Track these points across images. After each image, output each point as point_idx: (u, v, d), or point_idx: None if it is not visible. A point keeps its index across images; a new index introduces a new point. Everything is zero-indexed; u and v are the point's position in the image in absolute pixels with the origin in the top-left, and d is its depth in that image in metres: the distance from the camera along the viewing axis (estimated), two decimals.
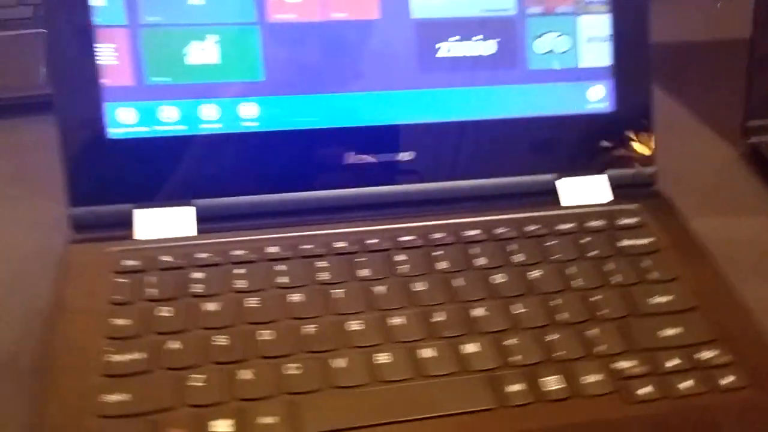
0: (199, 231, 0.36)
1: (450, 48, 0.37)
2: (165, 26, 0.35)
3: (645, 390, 0.30)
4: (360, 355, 0.30)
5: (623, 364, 0.31)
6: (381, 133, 0.38)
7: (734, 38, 0.51)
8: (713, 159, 0.46)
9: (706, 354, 0.31)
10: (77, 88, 0.35)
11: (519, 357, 0.31)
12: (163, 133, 0.36)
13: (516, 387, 0.29)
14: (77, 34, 0.35)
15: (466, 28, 0.37)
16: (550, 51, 0.38)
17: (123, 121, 0.36)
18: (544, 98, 0.39)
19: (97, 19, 0.35)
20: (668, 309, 0.33)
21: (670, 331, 0.32)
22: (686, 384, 0.30)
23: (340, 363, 0.30)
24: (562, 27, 0.38)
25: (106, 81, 0.35)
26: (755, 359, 0.31)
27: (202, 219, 0.36)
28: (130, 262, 0.34)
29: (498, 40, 0.38)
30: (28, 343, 0.32)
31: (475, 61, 0.38)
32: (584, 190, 0.40)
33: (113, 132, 0.36)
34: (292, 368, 0.30)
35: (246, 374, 0.29)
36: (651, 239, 0.37)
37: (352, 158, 0.38)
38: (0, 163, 0.44)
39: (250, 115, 0.37)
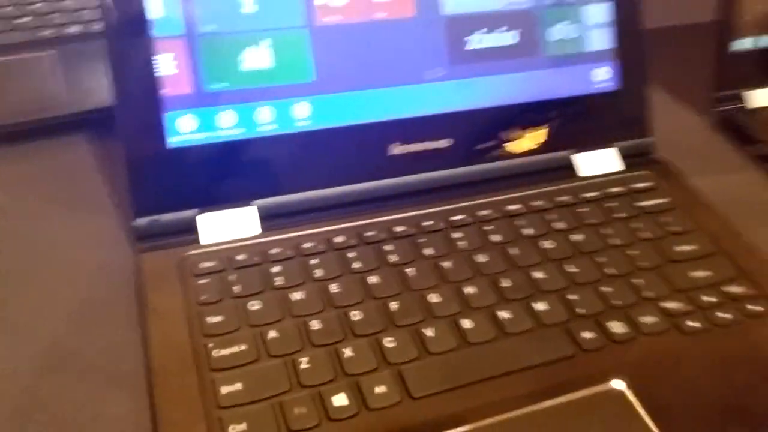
0: (264, 229, 0.38)
1: (478, 40, 0.41)
2: (221, 34, 0.37)
3: (694, 324, 0.34)
4: (445, 323, 0.34)
5: (671, 305, 0.35)
6: (421, 123, 0.41)
7: (697, 22, 0.58)
8: (690, 128, 0.52)
9: (735, 289, 0.36)
10: (138, 99, 0.37)
11: (583, 309, 0.35)
12: (222, 138, 0.38)
13: (588, 334, 0.33)
14: (137, 47, 0.36)
15: (491, 21, 0.41)
16: (562, 38, 0.43)
17: (183, 129, 0.37)
18: (558, 81, 0.43)
19: (155, 31, 0.36)
20: (694, 255, 0.38)
21: (701, 273, 0.37)
22: (725, 315, 0.35)
23: (429, 332, 0.33)
24: (572, 15, 0.43)
25: (166, 91, 0.37)
26: None
27: (264, 218, 0.38)
28: (208, 264, 0.36)
29: (519, 30, 0.42)
30: (119, 350, 0.33)
31: (500, 51, 0.42)
32: (598, 162, 0.44)
33: (173, 141, 0.37)
34: (388, 341, 0.32)
35: (348, 352, 0.32)
36: (666, 199, 0.42)
37: (398, 149, 0.41)
38: (44, 186, 0.44)
39: (303, 115, 0.39)
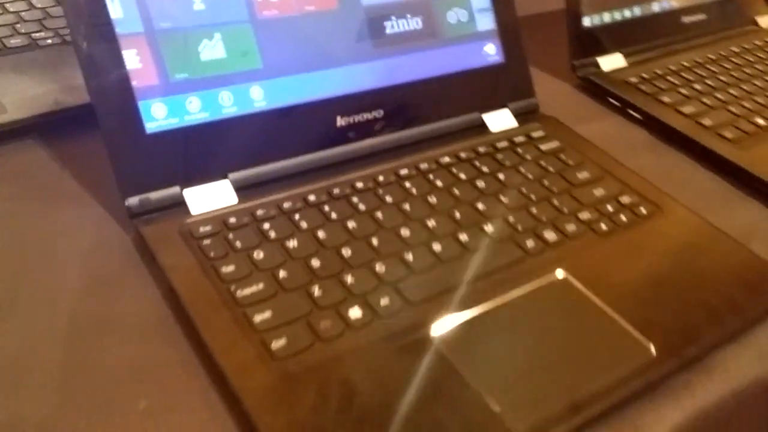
0: (240, 198, 0.43)
1: (391, 26, 0.49)
2: (177, 30, 0.41)
3: (605, 226, 0.44)
4: (420, 249, 0.40)
5: (583, 215, 0.45)
6: (357, 99, 0.48)
7: (554, 9, 0.69)
8: (561, 90, 0.63)
9: (625, 199, 0.47)
10: (112, 92, 0.40)
11: (520, 226, 0.43)
12: (192, 122, 0.42)
13: (530, 242, 0.42)
14: (104, 45, 0.39)
15: (399, 9, 0.49)
16: (456, 22, 0.52)
17: (157, 116, 0.41)
18: (458, 57, 0.52)
19: (118, 30, 0.40)
20: (589, 180, 0.48)
21: (598, 191, 0.47)
22: (623, 217, 0.45)
23: (409, 257, 0.40)
24: (460, 2, 0.52)
25: (135, 83, 0.40)
26: (652, 195, 0.47)
27: (238, 189, 0.43)
28: (205, 228, 0.40)
29: (421, 17, 0.50)
30: (142, 309, 0.36)
31: (411, 35, 0.50)
32: (500, 121, 0.54)
33: (150, 126, 0.41)
34: (380, 267, 0.39)
35: (350, 279, 0.38)
36: (558, 142, 0.52)
37: (342, 121, 0.47)
38: (40, 179, 0.46)
39: (258, 97, 0.44)
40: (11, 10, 0.56)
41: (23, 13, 0.56)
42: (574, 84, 0.64)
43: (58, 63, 0.52)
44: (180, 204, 0.41)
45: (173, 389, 0.33)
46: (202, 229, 0.40)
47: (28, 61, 0.51)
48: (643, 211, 0.46)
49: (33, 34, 0.54)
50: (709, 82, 0.63)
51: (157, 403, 0.32)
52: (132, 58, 0.40)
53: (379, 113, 0.49)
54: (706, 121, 0.57)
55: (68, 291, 0.37)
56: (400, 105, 0.49)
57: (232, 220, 0.41)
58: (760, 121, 0.58)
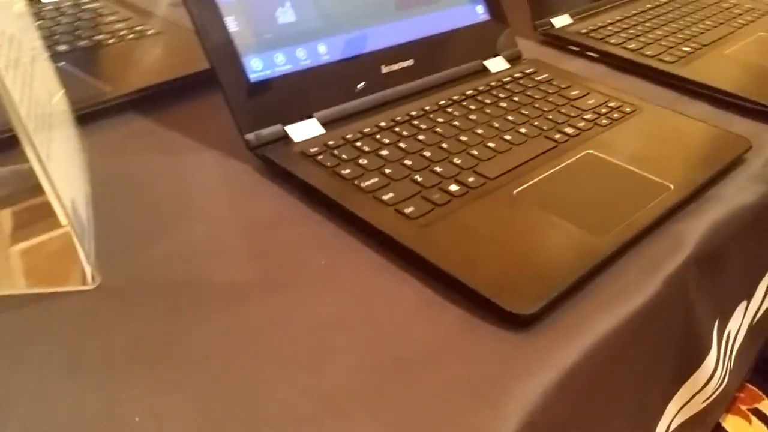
0: (326, 130, 0.52)
1: None
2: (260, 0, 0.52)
3: (605, 121, 0.57)
4: (481, 146, 0.52)
5: (588, 116, 0.58)
6: (391, 51, 0.59)
7: None
8: (527, 46, 0.77)
9: (613, 104, 0.60)
10: (223, 51, 0.49)
11: (545, 126, 0.55)
12: (280, 72, 0.52)
13: (557, 135, 0.54)
14: (211, 14, 0.49)
15: None
16: None
17: (255, 67, 0.51)
18: (459, 16, 0.64)
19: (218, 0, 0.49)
20: (580, 95, 0.62)
21: (591, 101, 0.60)
22: (616, 114, 0.58)
23: (475, 151, 0.51)
24: None
25: (237, 41, 0.50)
26: (630, 100, 0.61)
27: (323, 124, 0.53)
28: (314, 149, 0.50)
29: None
30: (290, 207, 0.45)
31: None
32: (497, 65, 0.66)
33: (252, 76, 0.50)
34: (456, 159, 0.49)
35: (440, 168, 0.49)
36: (547, 74, 0.65)
37: (385, 69, 0.58)
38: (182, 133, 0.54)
39: (323, 51, 0.54)
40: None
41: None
42: (538, 41, 0.78)
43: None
44: (283, 138, 0.51)
45: (339, 251, 0.42)
46: (312, 150, 0.49)
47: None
48: (628, 110, 0.60)
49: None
50: (647, 25, 0.79)
51: (332, 260, 0.41)
52: (232, 23, 0.50)
53: (410, 62, 0.60)
54: (649, 52, 0.72)
55: (220, 204, 0.46)
56: (424, 55, 0.61)
57: (331, 142, 0.51)
58: (691, 46, 0.73)
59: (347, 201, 0.45)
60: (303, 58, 0.54)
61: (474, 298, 0.38)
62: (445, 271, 0.39)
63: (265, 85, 0.51)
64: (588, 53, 0.74)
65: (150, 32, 0.66)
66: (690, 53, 0.73)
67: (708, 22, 0.83)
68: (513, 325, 0.37)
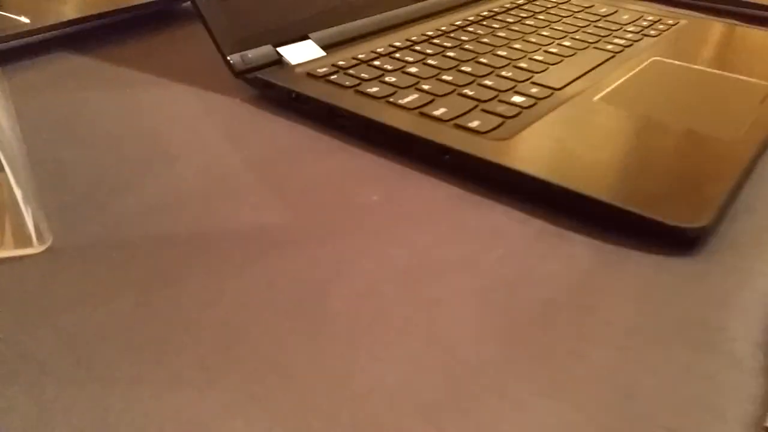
0: (327, 53, 0.40)
1: None
2: None
3: (653, 31, 0.48)
4: (525, 60, 0.41)
5: (629, 28, 0.48)
6: None
7: None
8: None
9: (649, 18, 0.51)
10: None
11: (590, 39, 0.45)
12: None
13: (609, 46, 0.44)
14: None
15: None
16: None
17: None
18: None
19: None
20: (611, 12, 0.52)
21: (625, 17, 0.51)
22: (661, 25, 0.49)
23: (523, 65, 0.40)
24: None
25: None
26: (666, 14, 0.52)
27: (321, 47, 0.41)
28: (324, 69, 0.37)
29: None
30: (308, 139, 0.33)
31: None
32: None
33: None
34: (505, 72, 0.38)
35: (489, 82, 0.37)
36: None
37: None
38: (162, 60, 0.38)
39: None
40: None
41: None
42: None
43: None
44: (276, 62, 0.38)
45: (390, 183, 0.30)
46: (320, 70, 0.37)
47: None
48: (670, 21, 0.50)
49: None
50: None
51: (386, 194, 0.29)
52: None
53: None
54: None
55: (209, 141, 0.33)
56: None
57: (341, 62, 0.38)
58: None
59: (390, 119, 0.33)
60: None
61: (606, 218, 0.27)
62: (561, 187, 0.27)
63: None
64: None
65: None
66: None
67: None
68: (675, 247, 0.26)
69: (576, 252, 0.26)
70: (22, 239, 0.23)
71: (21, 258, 0.23)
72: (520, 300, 0.23)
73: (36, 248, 0.23)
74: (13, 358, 0.20)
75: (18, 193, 0.23)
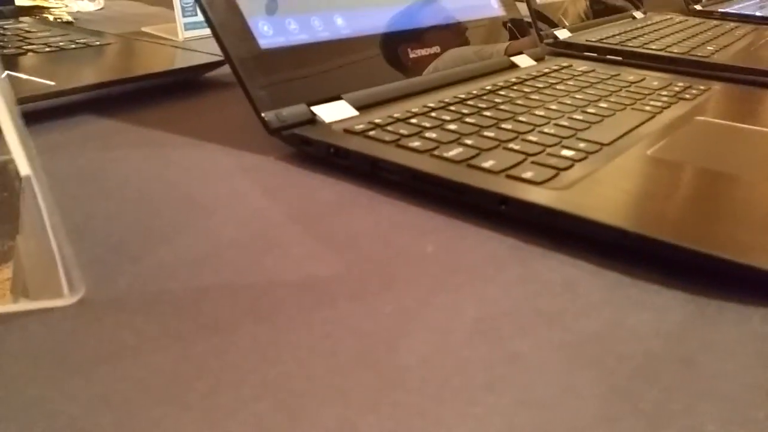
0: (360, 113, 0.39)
1: None
2: None
3: (688, 95, 0.47)
4: (564, 119, 0.40)
5: (663, 93, 0.47)
6: (415, 34, 0.47)
7: None
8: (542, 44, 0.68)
9: (680, 84, 0.50)
10: (223, 11, 0.36)
11: (626, 101, 0.44)
12: (296, 42, 0.39)
13: (647, 107, 0.43)
14: None
15: None
16: None
17: (265, 32, 0.37)
18: (485, 8, 0.54)
19: None
20: (638, 80, 0.52)
21: (655, 84, 0.50)
22: (695, 90, 0.48)
23: (563, 122, 0.39)
24: None
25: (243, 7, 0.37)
26: (695, 81, 0.51)
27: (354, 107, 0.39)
28: (361, 126, 0.36)
29: None
30: (353, 193, 0.31)
31: None
32: (524, 61, 0.56)
33: (263, 42, 0.37)
34: (548, 129, 0.37)
35: (532, 137, 0.36)
36: (587, 66, 0.55)
37: (411, 53, 0.46)
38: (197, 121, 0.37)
39: (342, 24, 0.42)
40: None
41: None
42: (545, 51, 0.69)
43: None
44: (310, 120, 0.37)
45: (442, 235, 0.27)
46: (358, 127, 0.36)
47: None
48: (701, 87, 0.50)
49: None
50: (655, 34, 0.72)
51: (440, 245, 0.27)
52: None
53: (437, 49, 0.48)
54: (675, 49, 0.65)
55: (246, 197, 0.31)
56: (450, 44, 0.50)
57: (378, 120, 0.37)
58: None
59: (440, 170, 0.31)
60: (319, 28, 0.41)
61: (688, 267, 0.25)
62: (640, 235, 0.25)
63: (279, 54, 0.38)
64: (610, 57, 0.66)
65: (97, 44, 0.51)
66: (716, 50, 0.66)
67: None
68: (765, 297, 0.24)
69: (662, 303, 0.23)
70: (54, 289, 0.21)
71: (52, 309, 0.21)
72: (614, 353, 0.21)
73: (68, 299, 0.21)
74: (43, 418, 0.17)
75: (52, 241, 0.20)
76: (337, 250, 0.26)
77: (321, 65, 0.40)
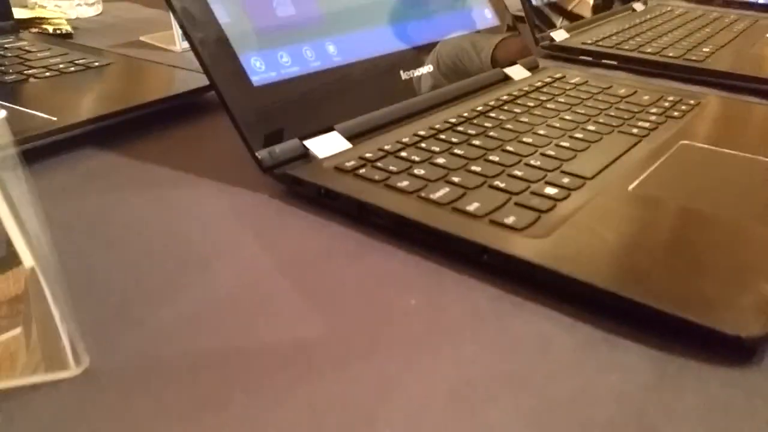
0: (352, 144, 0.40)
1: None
2: None
3: (676, 113, 0.48)
4: (551, 147, 0.41)
5: (652, 110, 0.48)
6: (408, 54, 0.48)
7: None
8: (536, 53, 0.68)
9: (671, 98, 0.51)
10: (216, 49, 0.37)
11: (614, 122, 0.45)
12: (288, 75, 0.40)
13: (635, 129, 0.44)
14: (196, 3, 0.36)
15: None
16: None
17: (257, 68, 0.38)
18: (480, 19, 0.55)
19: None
20: (630, 93, 0.52)
21: (645, 98, 0.51)
22: (683, 106, 0.49)
23: (550, 152, 0.40)
24: None
25: (230, 36, 0.37)
26: (686, 95, 0.52)
27: (346, 137, 0.40)
28: (351, 163, 0.37)
29: None
30: (343, 237, 0.32)
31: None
32: (519, 73, 0.57)
33: (255, 79, 0.38)
34: (533, 161, 0.38)
35: (518, 172, 0.37)
36: (580, 77, 0.56)
37: (403, 75, 0.47)
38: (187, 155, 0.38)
39: (333, 52, 0.43)
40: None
41: None
42: (541, 55, 0.69)
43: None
44: (303, 155, 0.38)
45: (426, 285, 0.29)
46: (348, 164, 0.37)
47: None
48: (692, 102, 0.51)
49: None
50: (650, 33, 0.73)
51: (424, 298, 0.28)
52: (221, 12, 0.38)
53: (429, 68, 0.49)
54: (671, 53, 0.65)
55: (240, 244, 0.33)
56: (444, 60, 0.51)
57: (368, 155, 0.38)
58: (710, 46, 0.67)
59: (424, 217, 0.32)
60: (311, 59, 0.42)
61: (657, 323, 0.26)
62: (609, 292, 0.27)
63: (271, 90, 0.39)
64: (605, 61, 0.66)
65: (96, 64, 0.52)
66: (711, 53, 0.66)
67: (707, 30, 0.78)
68: (735, 355, 0.25)
69: (629, 363, 0.25)
70: (59, 361, 0.22)
71: (57, 382, 0.22)
72: (579, 421, 0.22)
73: (73, 371, 0.22)
74: None
75: (55, 313, 0.22)
76: (323, 308, 0.27)
77: (313, 97, 0.41)
